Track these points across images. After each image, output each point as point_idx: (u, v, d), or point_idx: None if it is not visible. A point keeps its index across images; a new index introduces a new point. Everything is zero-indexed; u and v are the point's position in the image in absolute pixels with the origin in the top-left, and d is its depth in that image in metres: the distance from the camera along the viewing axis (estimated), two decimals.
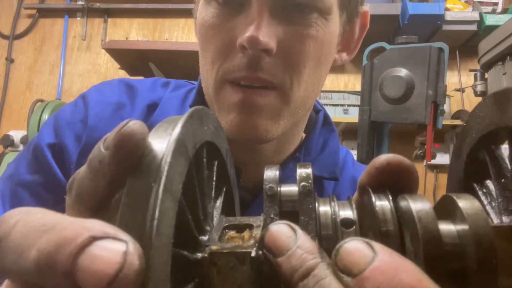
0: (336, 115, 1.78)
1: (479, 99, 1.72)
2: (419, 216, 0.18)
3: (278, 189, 0.22)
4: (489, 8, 1.87)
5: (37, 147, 0.48)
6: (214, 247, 0.19)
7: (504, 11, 1.88)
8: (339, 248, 0.16)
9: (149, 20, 2.26)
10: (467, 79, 1.99)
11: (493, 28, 1.52)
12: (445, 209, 0.20)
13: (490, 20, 1.73)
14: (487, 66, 1.47)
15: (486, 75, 1.53)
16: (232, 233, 0.22)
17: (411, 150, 1.47)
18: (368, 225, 0.20)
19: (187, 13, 2.21)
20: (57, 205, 0.21)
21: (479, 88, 1.65)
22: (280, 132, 0.44)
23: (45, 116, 1.72)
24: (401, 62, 1.06)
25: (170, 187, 0.16)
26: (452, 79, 1.99)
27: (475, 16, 1.75)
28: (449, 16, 1.75)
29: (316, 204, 0.22)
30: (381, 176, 0.21)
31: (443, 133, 1.93)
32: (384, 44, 1.13)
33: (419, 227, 0.17)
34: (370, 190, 0.21)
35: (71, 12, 2.28)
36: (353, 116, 1.73)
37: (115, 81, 0.55)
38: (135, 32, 2.26)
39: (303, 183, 0.22)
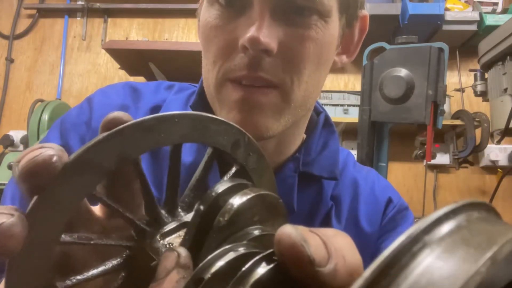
0: (336, 115, 1.77)
1: (479, 99, 1.72)
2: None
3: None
4: (489, 8, 1.87)
5: None
6: (146, 242, 0.23)
7: (504, 11, 1.87)
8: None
9: (149, 20, 2.26)
10: (467, 79, 1.99)
11: (493, 28, 1.51)
12: None
13: (490, 20, 1.73)
14: (487, 66, 1.47)
15: (486, 75, 1.53)
16: (181, 231, 0.24)
17: (411, 150, 1.47)
18: None
19: (187, 13, 2.21)
20: None
21: (479, 88, 1.64)
22: (280, 130, 0.44)
23: (45, 116, 1.71)
24: (401, 62, 1.06)
25: (55, 200, 0.19)
26: (452, 79, 1.99)
27: (475, 16, 1.75)
28: (449, 16, 1.75)
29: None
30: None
31: (443, 133, 1.93)
32: (384, 44, 1.13)
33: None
34: (258, 256, 0.18)
35: (71, 12, 2.28)
36: (353, 116, 1.73)
37: (120, 84, 0.56)
38: (135, 32, 2.26)
39: (220, 219, 0.20)
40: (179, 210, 0.25)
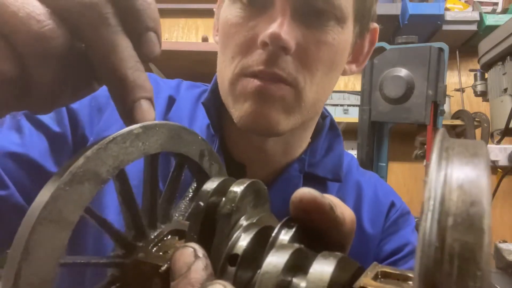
0: (336, 115, 1.78)
1: (479, 99, 1.72)
2: (264, 271, 0.18)
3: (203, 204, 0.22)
4: (489, 8, 1.87)
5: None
6: (140, 255, 0.22)
7: (504, 11, 1.87)
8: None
9: None
10: (467, 79, 1.99)
11: (493, 28, 1.51)
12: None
13: (490, 20, 1.73)
14: (487, 66, 1.47)
15: (486, 75, 1.53)
16: (170, 239, 0.24)
17: (411, 150, 1.47)
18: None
19: (187, 13, 2.21)
20: None
21: (479, 88, 1.65)
22: (289, 128, 0.45)
23: None
24: (401, 62, 1.06)
25: (53, 216, 0.18)
26: (452, 79, 1.99)
27: (475, 16, 1.75)
28: (449, 16, 1.75)
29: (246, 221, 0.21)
30: (296, 212, 0.21)
31: None
32: (384, 44, 1.13)
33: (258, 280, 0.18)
34: (279, 224, 0.20)
35: None
36: (353, 116, 1.73)
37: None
38: None
39: (227, 206, 0.21)
40: (158, 222, 0.25)
